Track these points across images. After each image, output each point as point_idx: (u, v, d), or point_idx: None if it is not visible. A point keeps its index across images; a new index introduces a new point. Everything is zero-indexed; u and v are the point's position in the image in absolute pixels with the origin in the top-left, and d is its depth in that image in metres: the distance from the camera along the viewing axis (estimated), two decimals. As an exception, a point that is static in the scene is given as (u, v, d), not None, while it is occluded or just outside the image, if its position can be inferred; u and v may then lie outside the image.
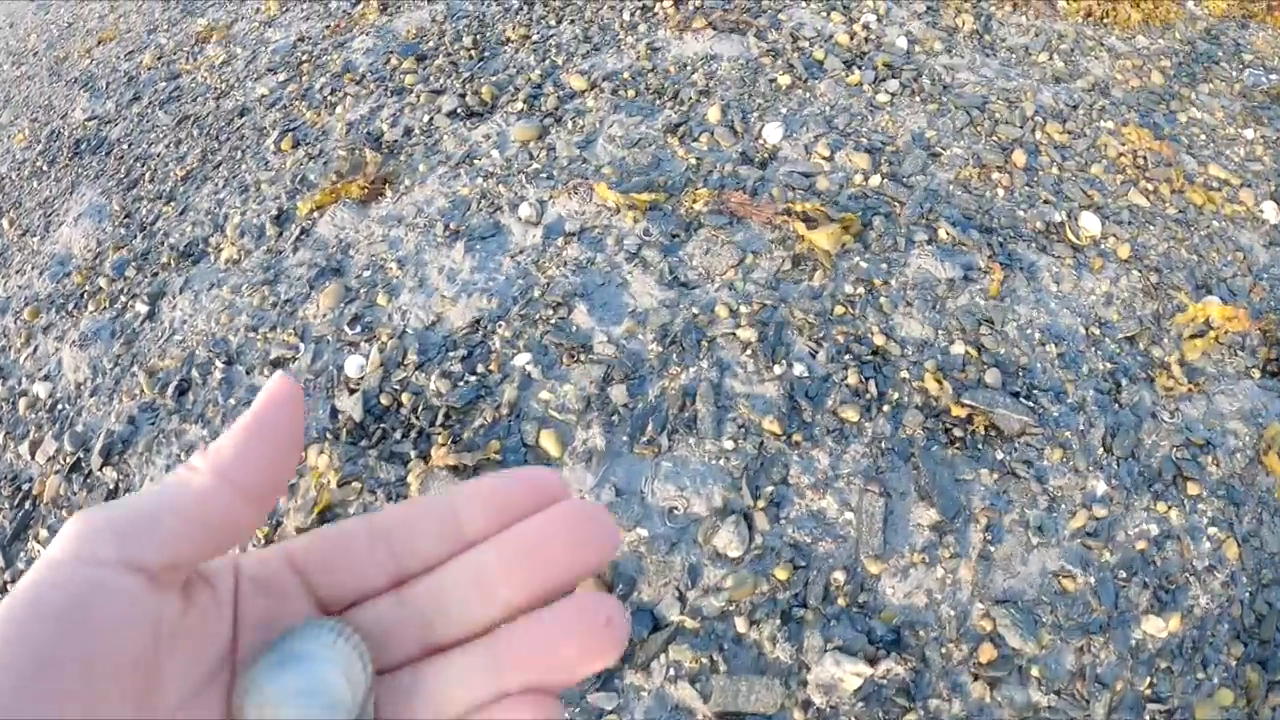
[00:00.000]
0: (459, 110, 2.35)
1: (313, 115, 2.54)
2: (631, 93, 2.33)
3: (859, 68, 2.44)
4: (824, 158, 2.10)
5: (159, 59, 3.25)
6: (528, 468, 0.30)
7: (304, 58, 2.85)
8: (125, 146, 2.83)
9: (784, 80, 2.36)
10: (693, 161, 2.09)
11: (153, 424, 1.94)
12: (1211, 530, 1.60)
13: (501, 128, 2.26)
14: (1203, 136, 2.40)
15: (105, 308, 2.27)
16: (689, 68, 2.44)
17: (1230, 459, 1.70)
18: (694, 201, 1.94)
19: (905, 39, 2.56)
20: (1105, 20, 2.90)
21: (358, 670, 0.26)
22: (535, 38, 2.65)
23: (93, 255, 2.47)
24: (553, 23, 2.72)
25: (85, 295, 2.35)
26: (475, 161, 2.18)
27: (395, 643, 0.29)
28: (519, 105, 2.31)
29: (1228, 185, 2.25)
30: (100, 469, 1.93)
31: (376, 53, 2.73)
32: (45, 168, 2.94)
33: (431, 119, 2.36)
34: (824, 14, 2.68)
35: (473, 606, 0.28)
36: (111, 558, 0.24)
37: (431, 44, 2.71)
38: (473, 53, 2.60)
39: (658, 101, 2.30)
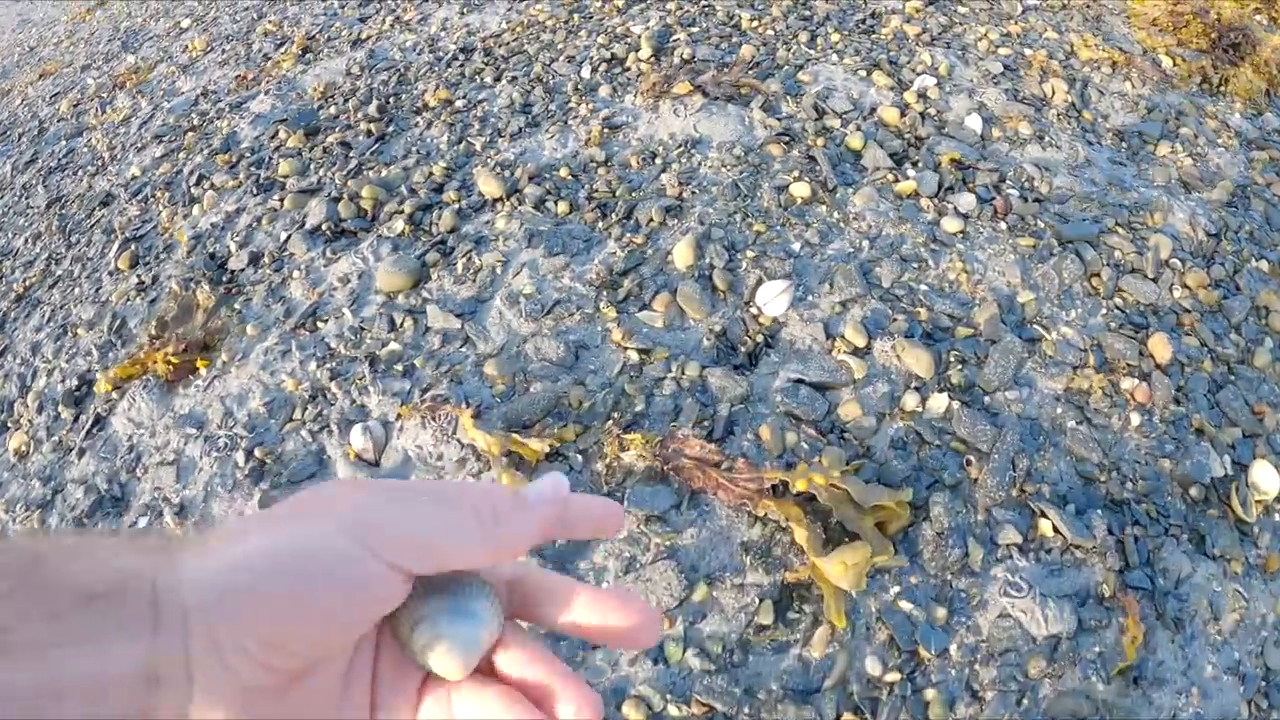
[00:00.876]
0: (325, 227, 1.40)
1: (167, 216, 1.62)
2: (564, 206, 1.34)
3: (913, 165, 1.39)
4: (854, 350, 1.10)
5: (75, 106, 2.35)
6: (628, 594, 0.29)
7: (195, 121, 1.91)
8: (-8, 232, 1.97)
9: (799, 190, 1.33)
10: (633, 357, 1.11)
11: None
12: None
13: (368, 263, 1.31)
14: None
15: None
16: (658, 161, 1.43)
17: None
18: (619, 451, 0.98)
19: (979, 117, 1.48)
20: (1223, 89, 1.76)
21: (495, 627, 0.28)
22: (460, 103, 1.65)
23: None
24: (488, 80, 1.71)
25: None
26: (318, 325, 1.24)
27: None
28: (400, 225, 1.35)
29: None
30: None
31: (267, 121, 1.77)
32: (-75, 248, 2.11)
33: (288, 239, 1.42)
34: (862, 74, 1.60)
35: (555, 609, 0.29)
36: (389, 560, 0.25)
37: (333, 109, 1.74)
38: (374, 126, 1.62)
39: (600, 226, 1.31)
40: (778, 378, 1.06)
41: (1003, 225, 1.28)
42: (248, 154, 1.69)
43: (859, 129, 1.46)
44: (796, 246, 1.24)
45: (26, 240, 1.86)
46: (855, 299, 1.15)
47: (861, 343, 1.09)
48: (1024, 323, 1.14)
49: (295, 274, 1.34)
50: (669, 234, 1.27)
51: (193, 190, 1.66)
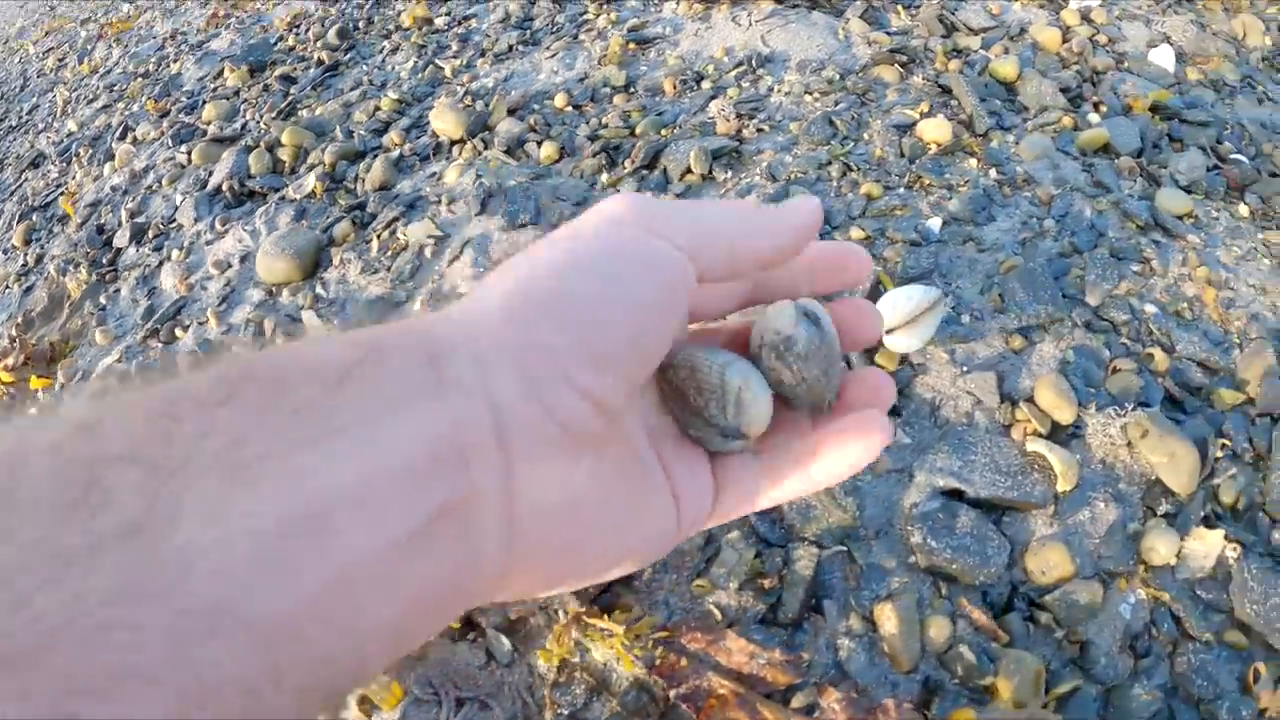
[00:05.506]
0: (228, 187, 0.93)
1: (82, 175, 1.20)
2: (549, 150, 0.82)
3: (1096, 109, 0.81)
4: (1052, 431, 0.56)
5: (59, 60, 1.98)
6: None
7: (150, 67, 1.49)
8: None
9: (933, 130, 0.77)
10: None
11: None
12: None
13: (257, 239, 0.84)
14: None
15: None
16: (705, 85, 0.89)
17: None
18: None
19: (1169, 50, 0.88)
20: None
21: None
22: (440, 20, 1.15)
23: None
24: (485, -7, 1.20)
25: None
26: (176, 335, 0.79)
27: None
28: (311, 182, 0.87)
29: None
30: None
31: (214, 59, 1.33)
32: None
33: (181, 204, 0.97)
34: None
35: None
36: (678, 243, 0.19)
37: (291, 40, 1.27)
38: (329, 55, 1.14)
39: (604, 178, 0.79)
40: (913, 484, 0.52)
41: (1242, 209, 0.69)
42: (184, 99, 1.25)
43: (1007, 52, 0.88)
44: (935, 224, 0.69)
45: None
46: (1046, 323, 0.60)
47: (1066, 415, 0.54)
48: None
49: (174, 254, 0.88)
50: (717, 192, 0.74)
51: (114, 145, 1.23)
